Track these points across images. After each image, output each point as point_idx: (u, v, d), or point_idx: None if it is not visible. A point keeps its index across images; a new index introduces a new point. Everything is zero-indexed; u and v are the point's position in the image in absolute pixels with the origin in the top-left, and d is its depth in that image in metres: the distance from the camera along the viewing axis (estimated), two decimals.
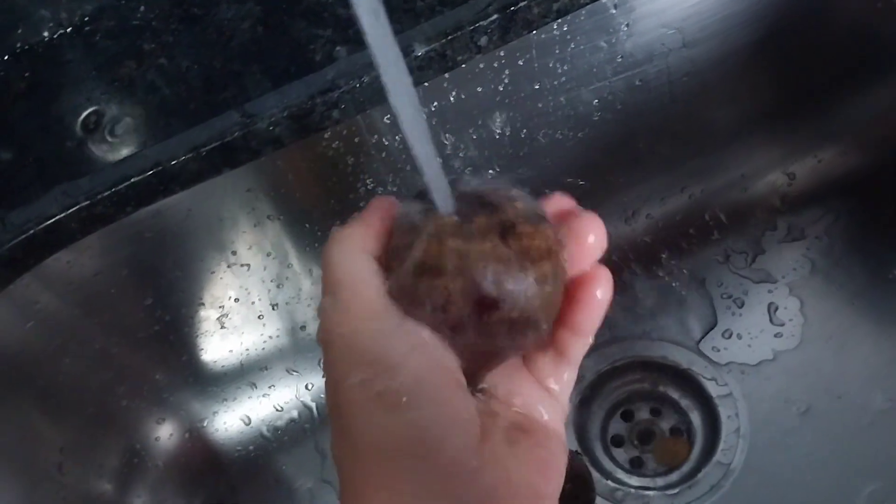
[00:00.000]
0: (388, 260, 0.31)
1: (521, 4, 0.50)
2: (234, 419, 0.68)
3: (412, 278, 0.30)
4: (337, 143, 0.56)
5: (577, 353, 0.34)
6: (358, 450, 0.30)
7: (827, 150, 0.71)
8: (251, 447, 0.68)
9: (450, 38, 0.50)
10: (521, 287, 0.30)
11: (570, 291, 0.32)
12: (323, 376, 0.31)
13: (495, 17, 0.50)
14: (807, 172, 0.71)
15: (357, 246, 0.32)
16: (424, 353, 0.30)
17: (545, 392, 0.34)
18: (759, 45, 0.63)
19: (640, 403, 0.68)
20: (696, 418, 0.66)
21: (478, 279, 0.29)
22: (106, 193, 0.50)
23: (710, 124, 0.68)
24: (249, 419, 0.68)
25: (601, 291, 0.33)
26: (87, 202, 0.50)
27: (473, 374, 0.32)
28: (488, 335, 0.30)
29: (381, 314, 0.30)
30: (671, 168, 0.70)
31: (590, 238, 0.33)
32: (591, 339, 0.34)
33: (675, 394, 0.67)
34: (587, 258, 0.33)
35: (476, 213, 0.30)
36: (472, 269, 0.29)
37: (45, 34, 0.57)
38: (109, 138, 0.52)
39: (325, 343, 0.31)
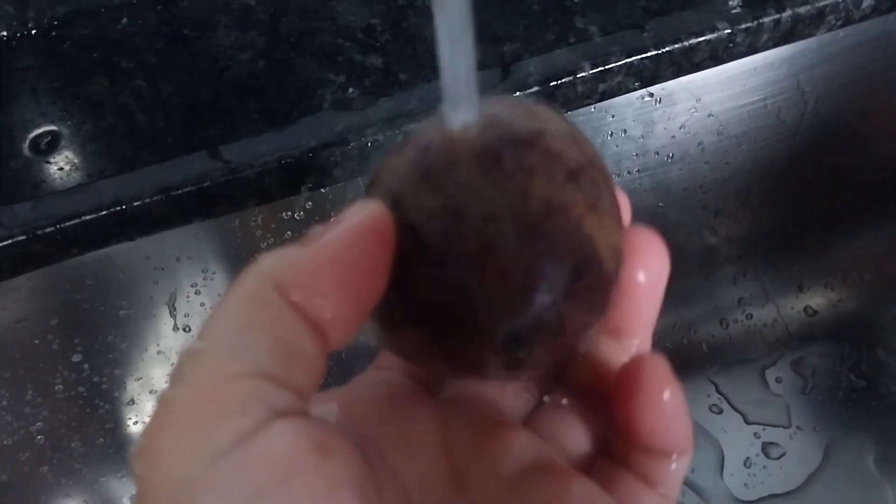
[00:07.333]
0: None
1: (565, 80, 0.44)
2: None
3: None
4: (314, 204, 0.49)
5: (667, 476, 0.23)
6: None
7: (842, 284, 0.66)
8: None
9: None
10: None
11: (622, 387, 0.22)
12: None
13: (536, 88, 0.44)
14: (822, 304, 0.65)
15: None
16: None
17: None
18: (790, 163, 0.59)
19: None
20: None
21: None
22: (49, 229, 0.41)
23: (724, 238, 0.62)
24: None
25: (666, 387, 0.22)
26: (24, 237, 0.41)
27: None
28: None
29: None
30: (673, 280, 0.64)
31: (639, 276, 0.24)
32: (683, 459, 0.23)
33: None
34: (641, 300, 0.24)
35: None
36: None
37: (5, 32, 0.48)
38: (63, 164, 0.43)
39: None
